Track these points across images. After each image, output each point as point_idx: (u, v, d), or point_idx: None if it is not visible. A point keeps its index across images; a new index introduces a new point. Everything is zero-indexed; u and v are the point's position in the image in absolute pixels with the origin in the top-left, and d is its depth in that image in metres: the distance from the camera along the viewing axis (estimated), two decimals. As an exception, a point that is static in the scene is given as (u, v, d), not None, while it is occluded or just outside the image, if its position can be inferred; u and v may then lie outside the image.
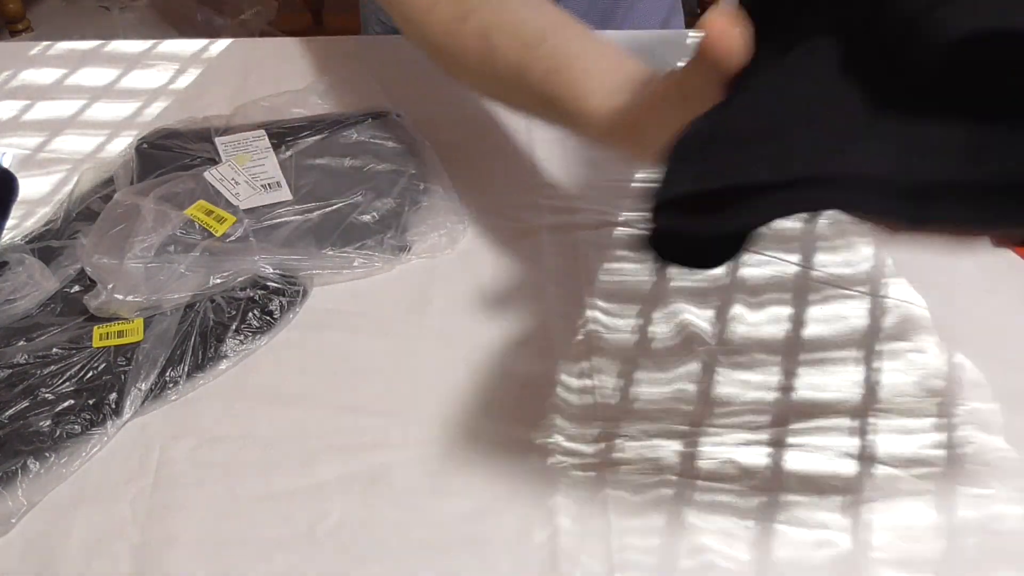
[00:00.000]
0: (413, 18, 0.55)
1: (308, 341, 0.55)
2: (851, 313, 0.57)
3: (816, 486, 0.47)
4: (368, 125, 0.67)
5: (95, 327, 0.53)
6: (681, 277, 0.59)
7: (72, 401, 0.49)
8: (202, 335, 0.53)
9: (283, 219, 0.59)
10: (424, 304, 0.57)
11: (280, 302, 0.55)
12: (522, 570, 0.44)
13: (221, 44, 0.81)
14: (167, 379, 0.51)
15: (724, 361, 0.54)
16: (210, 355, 0.53)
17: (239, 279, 0.55)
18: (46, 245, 0.58)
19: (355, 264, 0.58)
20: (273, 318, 0.55)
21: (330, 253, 0.58)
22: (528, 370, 0.53)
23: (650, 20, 0.88)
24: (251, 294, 0.55)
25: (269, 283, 0.56)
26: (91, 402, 0.49)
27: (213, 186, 0.60)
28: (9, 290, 0.54)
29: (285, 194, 0.60)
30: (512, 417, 0.51)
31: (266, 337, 0.54)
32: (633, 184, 0.66)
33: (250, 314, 0.54)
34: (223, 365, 0.53)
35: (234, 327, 0.54)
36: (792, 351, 0.54)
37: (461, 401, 0.52)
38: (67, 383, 0.50)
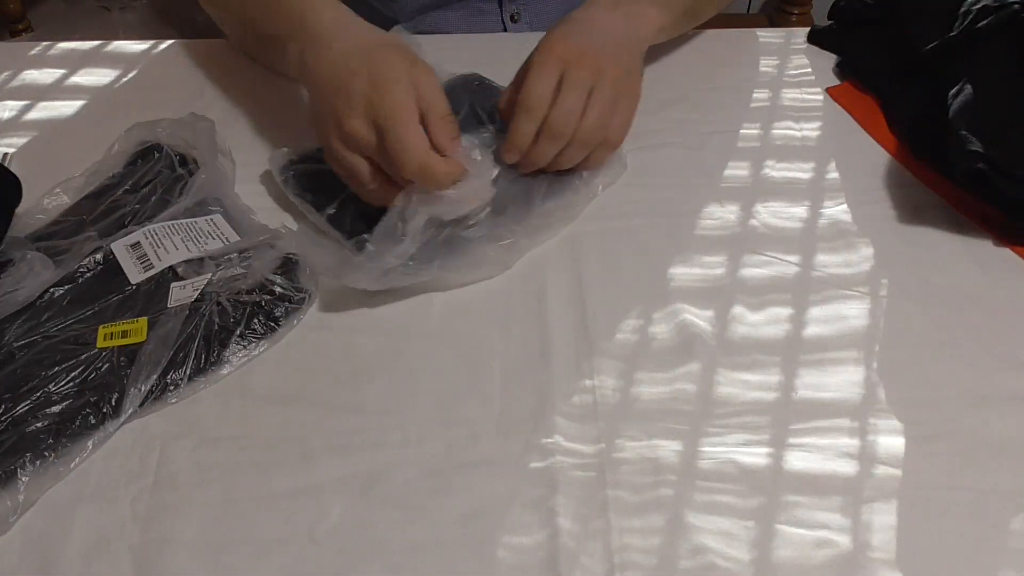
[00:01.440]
0: None
1: (308, 341, 0.55)
2: (851, 313, 0.57)
3: (816, 486, 0.47)
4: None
5: (100, 326, 0.53)
6: (681, 277, 0.59)
7: (72, 400, 0.49)
8: (206, 339, 0.53)
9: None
10: (424, 304, 0.57)
11: (285, 308, 0.55)
12: (522, 570, 0.44)
13: (221, 44, 0.81)
14: (168, 381, 0.51)
15: (724, 361, 0.54)
16: (212, 359, 0.52)
17: (248, 283, 0.55)
18: (53, 244, 0.58)
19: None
20: (278, 324, 0.55)
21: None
22: (528, 370, 0.53)
23: None
24: (257, 298, 0.55)
25: (276, 288, 0.56)
26: (92, 400, 0.49)
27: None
28: (11, 283, 0.54)
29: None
30: (512, 417, 0.51)
31: (268, 342, 0.54)
32: (633, 186, 0.66)
33: (255, 320, 0.54)
34: (225, 370, 0.53)
35: (238, 332, 0.54)
36: (792, 351, 0.54)
37: (461, 401, 0.52)
38: (69, 383, 0.50)
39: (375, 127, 0.54)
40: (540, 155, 0.59)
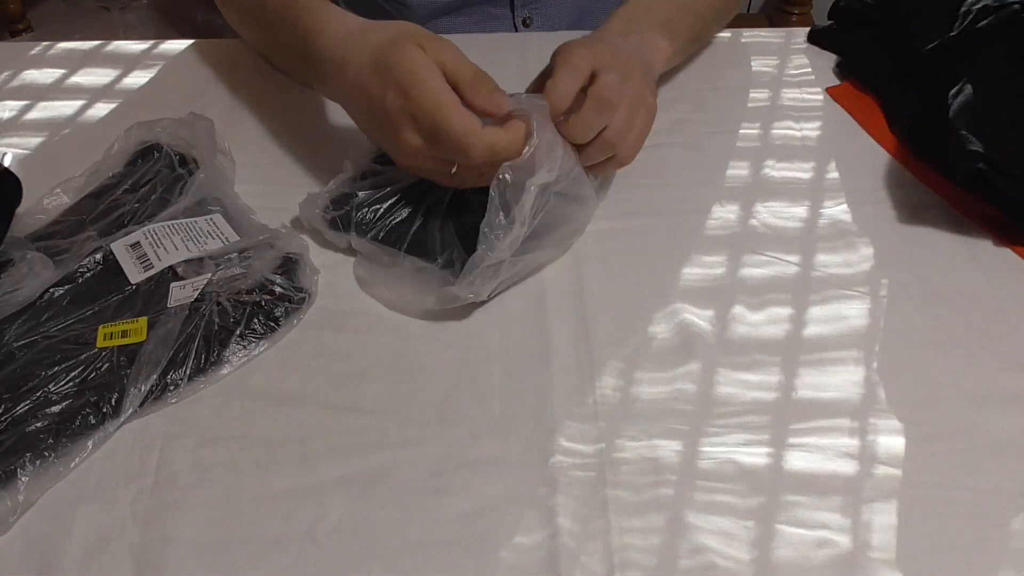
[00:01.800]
0: None
1: (308, 341, 0.55)
2: (851, 313, 0.57)
3: (816, 486, 0.47)
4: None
5: (100, 326, 0.53)
6: (681, 277, 0.59)
7: (72, 400, 0.49)
8: (206, 339, 0.53)
9: None
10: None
11: (285, 308, 0.55)
12: (522, 570, 0.44)
13: (221, 44, 0.81)
14: (168, 381, 0.51)
15: (724, 361, 0.54)
16: (212, 359, 0.52)
17: (248, 283, 0.55)
18: (53, 243, 0.58)
19: None
20: (278, 324, 0.55)
21: None
22: (528, 370, 0.53)
23: None
24: (257, 298, 0.55)
25: (276, 288, 0.55)
26: (92, 400, 0.49)
27: None
28: (11, 283, 0.54)
29: None
30: (512, 417, 0.51)
31: (268, 342, 0.54)
32: (633, 186, 0.66)
33: (255, 320, 0.54)
34: (225, 370, 0.53)
35: (238, 332, 0.54)
36: (792, 351, 0.54)
37: (461, 401, 0.52)
38: (69, 383, 0.50)
39: (424, 133, 0.53)
40: (582, 124, 0.54)
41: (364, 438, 0.50)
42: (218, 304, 0.54)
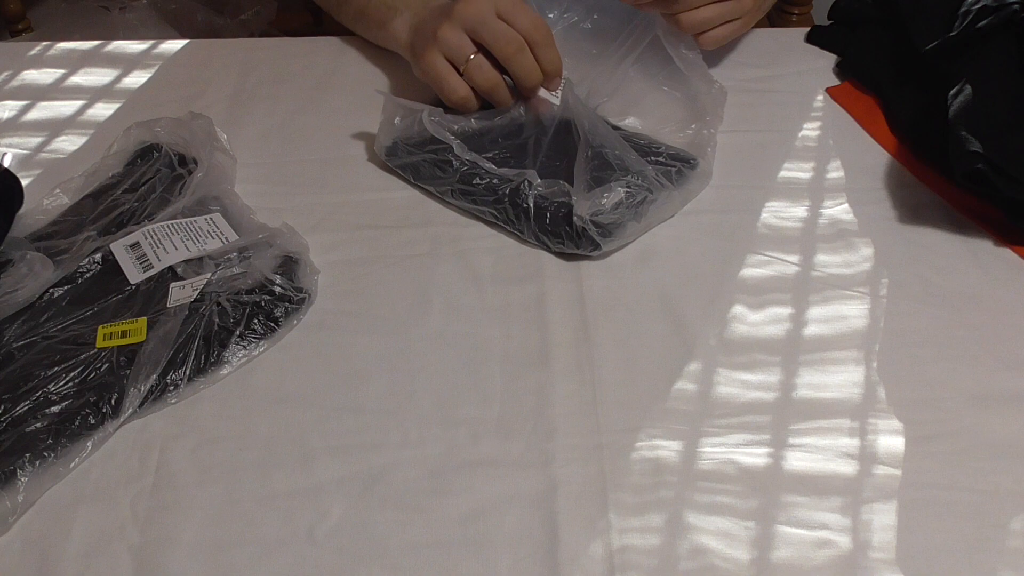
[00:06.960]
0: None
1: (308, 341, 0.55)
2: (851, 313, 0.57)
3: (816, 486, 0.47)
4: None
5: (99, 327, 0.53)
6: (680, 276, 0.59)
7: (72, 400, 0.49)
8: (206, 339, 0.53)
9: None
10: (424, 304, 0.57)
11: (285, 308, 0.55)
12: (522, 570, 0.44)
13: (221, 44, 0.81)
14: (168, 381, 0.51)
15: (724, 361, 0.54)
16: (212, 360, 0.52)
17: (248, 282, 0.55)
18: (53, 244, 0.58)
19: None
20: (278, 324, 0.55)
21: None
22: (528, 370, 0.53)
23: None
24: (257, 298, 0.55)
25: (276, 288, 0.55)
26: (91, 400, 0.49)
27: None
28: (11, 283, 0.54)
29: None
30: (512, 417, 0.51)
31: (268, 342, 0.54)
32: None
33: (255, 320, 0.54)
34: (224, 370, 0.53)
35: (238, 332, 0.54)
36: (792, 351, 0.54)
37: (461, 401, 0.52)
38: (69, 383, 0.50)
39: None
40: None
41: (364, 438, 0.50)
42: (218, 304, 0.54)
